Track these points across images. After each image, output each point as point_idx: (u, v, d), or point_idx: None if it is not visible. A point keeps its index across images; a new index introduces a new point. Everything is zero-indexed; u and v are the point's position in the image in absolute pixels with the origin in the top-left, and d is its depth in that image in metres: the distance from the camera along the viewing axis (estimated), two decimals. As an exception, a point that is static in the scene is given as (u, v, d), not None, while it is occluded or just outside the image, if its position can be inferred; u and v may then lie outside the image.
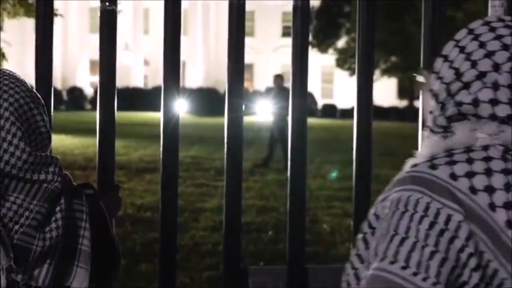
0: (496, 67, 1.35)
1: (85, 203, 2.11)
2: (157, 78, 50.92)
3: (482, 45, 1.38)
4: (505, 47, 1.36)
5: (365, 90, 3.11)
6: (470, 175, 1.27)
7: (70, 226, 2.05)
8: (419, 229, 1.23)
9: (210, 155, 15.99)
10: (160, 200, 3.04)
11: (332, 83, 53.99)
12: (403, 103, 47.31)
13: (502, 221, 1.23)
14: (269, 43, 52.93)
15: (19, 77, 2.13)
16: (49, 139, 2.13)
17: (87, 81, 50.37)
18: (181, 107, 3.08)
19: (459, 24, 25.38)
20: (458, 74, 1.38)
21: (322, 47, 42.35)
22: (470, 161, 1.28)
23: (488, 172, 1.26)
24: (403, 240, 1.23)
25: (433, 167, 1.29)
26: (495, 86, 1.33)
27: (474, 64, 1.37)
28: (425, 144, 1.38)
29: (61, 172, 2.06)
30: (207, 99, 41.85)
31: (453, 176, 1.27)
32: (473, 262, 1.22)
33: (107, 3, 2.99)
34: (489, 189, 1.25)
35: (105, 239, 2.19)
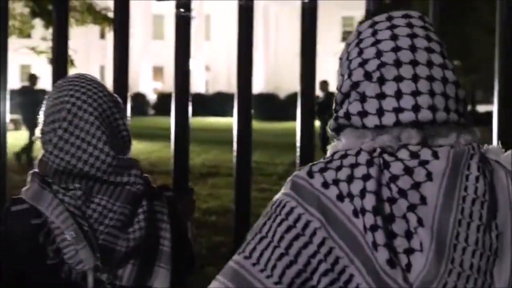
0: (367, 76, 1.34)
1: (165, 204, 2.14)
2: (217, 84, 51.31)
3: (360, 52, 1.37)
4: (378, 54, 1.34)
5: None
6: (336, 182, 1.28)
7: (152, 227, 2.09)
8: (276, 231, 1.27)
9: (271, 160, 15.98)
10: (234, 204, 3.07)
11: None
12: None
13: (361, 227, 1.24)
14: (329, 49, 52.73)
15: (100, 82, 2.15)
16: (129, 142, 2.17)
17: (150, 87, 50.99)
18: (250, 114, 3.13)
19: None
20: (341, 83, 1.39)
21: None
22: (339, 168, 1.29)
23: (349, 179, 1.27)
24: (261, 239, 1.29)
25: (310, 174, 1.30)
26: (363, 98, 1.33)
27: (350, 74, 1.37)
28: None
29: (142, 174, 2.09)
30: (267, 105, 41.94)
31: (325, 185, 1.28)
32: (323, 267, 1.24)
33: (182, 10, 3.04)
34: (350, 196, 1.26)
35: (181, 240, 2.21)
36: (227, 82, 48.97)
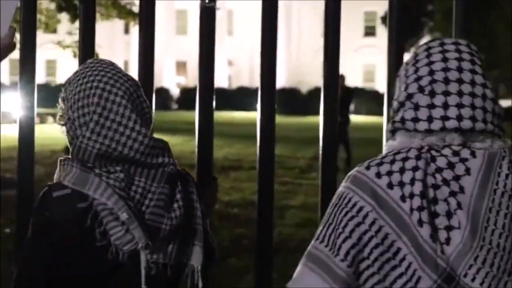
0: (421, 89, 1.64)
1: (194, 186, 2.17)
2: (240, 79, 51.29)
3: (416, 70, 1.67)
4: (431, 72, 1.64)
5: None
6: (389, 173, 1.57)
7: (187, 206, 2.11)
8: (338, 218, 1.58)
9: (293, 154, 15.99)
10: (257, 196, 3.07)
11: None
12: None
13: (408, 209, 1.52)
14: (351, 44, 52.57)
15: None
16: (151, 123, 2.18)
17: (173, 82, 51.12)
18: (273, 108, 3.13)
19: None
20: (398, 94, 1.69)
21: (406, 46, 41.93)
22: (392, 162, 1.58)
23: (402, 170, 1.57)
24: (329, 226, 1.59)
25: (368, 168, 1.60)
26: (416, 107, 1.63)
27: (406, 87, 1.67)
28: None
29: (172, 155, 2.13)
30: (289, 99, 41.90)
31: (378, 175, 1.58)
32: (373, 242, 1.53)
33: (206, 1, 3.04)
34: (401, 184, 1.55)
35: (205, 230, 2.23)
36: (250, 77, 48.90)
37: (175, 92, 47.00)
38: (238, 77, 52.08)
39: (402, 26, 3.06)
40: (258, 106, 3.07)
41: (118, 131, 2.02)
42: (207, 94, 3.08)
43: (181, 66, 52.55)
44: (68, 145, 2.09)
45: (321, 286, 1.55)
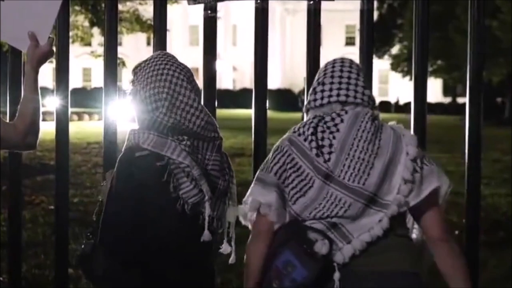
0: (318, 83, 2.29)
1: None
2: (243, 82, 51.26)
3: (319, 74, 2.34)
4: (325, 73, 2.31)
5: (421, 88, 3.07)
6: (299, 129, 2.22)
7: (230, 173, 2.28)
8: (273, 155, 2.22)
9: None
10: (252, 175, 3.07)
11: (388, 83, 53.14)
12: (447, 100, 46.29)
13: (307, 144, 2.16)
14: (335, 52, 52.49)
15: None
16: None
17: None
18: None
19: (494, 32, 24.18)
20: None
21: (379, 54, 41.71)
22: (303, 124, 2.22)
23: (304, 125, 2.22)
24: (268, 161, 2.23)
25: (294, 131, 2.23)
26: (314, 92, 2.28)
27: (312, 87, 2.32)
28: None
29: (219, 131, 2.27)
30: (284, 98, 41.87)
31: (294, 131, 2.23)
32: (288, 164, 2.17)
33: (209, 12, 3.03)
34: (303, 133, 2.19)
35: None
36: (251, 80, 48.48)
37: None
38: (241, 80, 51.97)
39: (370, 40, 3.06)
40: (253, 104, 3.07)
41: (185, 109, 2.14)
42: (210, 91, 3.09)
43: (194, 72, 52.42)
44: (136, 118, 2.20)
45: (261, 191, 2.16)
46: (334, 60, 2.32)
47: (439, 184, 2.17)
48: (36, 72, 2.32)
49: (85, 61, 41.60)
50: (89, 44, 22.85)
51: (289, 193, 2.14)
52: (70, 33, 12.92)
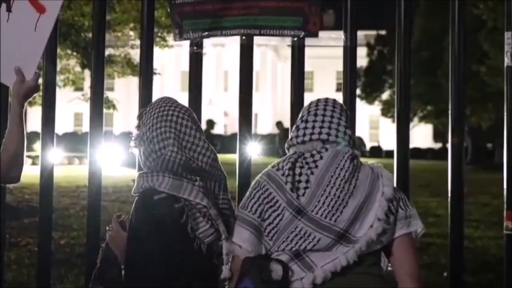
0: (302, 120, 2.35)
1: None
2: (234, 127, 51.44)
3: (301, 113, 2.41)
4: (309, 112, 2.38)
5: (404, 132, 3.11)
6: (278, 164, 2.27)
7: (231, 210, 2.32)
8: (252, 192, 2.26)
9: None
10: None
11: (378, 129, 53.43)
12: (438, 145, 46.54)
13: (284, 179, 2.20)
14: (325, 95, 52.77)
15: None
16: None
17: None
18: (255, 150, 3.14)
19: (482, 77, 24.36)
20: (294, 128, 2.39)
21: (369, 99, 42.10)
22: (283, 160, 2.27)
23: (284, 161, 2.26)
24: (247, 198, 2.26)
25: (272, 165, 2.29)
26: (297, 129, 2.35)
27: (296, 122, 2.41)
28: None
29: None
30: (275, 143, 41.85)
31: (273, 166, 2.28)
32: (265, 199, 2.22)
33: (195, 48, 3.09)
34: (282, 168, 2.24)
35: None
36: (242, 125, 48.81)
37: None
38: (232, 125, 52.15)
39: (353, 77, 3.11)
40: (237, 149, 3.09)
41: (191, 148, 2.21)
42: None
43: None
44: (142, 162, 2.24)
45: (238, 229, 2.19)
46: (318, 99, 2.39)
47: (414, 229, 2.22)
48: (22, 107, 2.36)
49: (76, 106, 41.68)
50: (81, 89, 22.87)
51: (266, 228, 2.20)
52: (62, 77, 12.96)
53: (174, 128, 2.21)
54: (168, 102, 2.31)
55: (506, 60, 2.88)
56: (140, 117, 2.31)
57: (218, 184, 2.26)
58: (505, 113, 2.92)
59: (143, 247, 2.09)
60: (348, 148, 2.26)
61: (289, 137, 2.36)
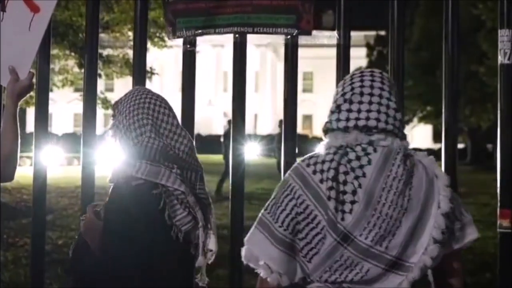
0: (344, 100, 1.92)
1: None
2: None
3: (343, 88, 1.96)
4: (352, 89, 1.93)
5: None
6: (315, 164, 1.86)
7: (208, 201, 2.28)
8: (279, 195, 1.87)
9: (266, 186, 15.95)
10: (230, 219, 3.08)
11: (378, 129, 53.56)
12: (437, 146, 46.60)
13: (324, 189, 1.81)
14: (326, 98, 52.85)
15: None
16: None
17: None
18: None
19: (481, 77, 24.30)
20: (332, 105, 1.97)
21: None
22: (319, 156, 1.88)
23: (323, 162, 1.85)
24: (273, 200, 1.88)
25: (303, 161, 1.90)
26: (339, 111, 1.92)
27: (335, 100, 1.96)
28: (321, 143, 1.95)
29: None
30: (273, 143, 41.75)
31: (308, 165, 1.87)
32: (302, 216, 1.83)
33: (188, 46, 3.08)
34: (321, 171, 1.83)
35: None
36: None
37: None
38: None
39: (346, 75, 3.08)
40: (231, 150, 3.08)
41: (169, 136, 2.18)
42: (189, 122, 3.10)
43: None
44: (121, 149, 2.19)
45: (264, 242, 1.85)
46: (362, 72, 1.99)
47: (468, 241, 1.92)
48: (16, 106, 2.36)
49: (76, 107, 41.64)
50: (80, 90, 22.86)
51: (303, 248, 1.84)
52: (60, 77, 12.94)
53: (152, 116, 2.18)
54: (144, 91, 2.28)
55: (500, 58, 2.87)
56: (115, 106, 2.28)
57: (195, 174, 2.21)
58: (498, 110, 2.91)
59: (118, 236, 2.04)
60: (399, 144, 1.87)
61: (328, 118, 1.96)
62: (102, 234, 2.09)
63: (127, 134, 2.17)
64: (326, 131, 1.95)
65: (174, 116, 2.25)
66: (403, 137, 1.91)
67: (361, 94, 1.90)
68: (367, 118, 1.87)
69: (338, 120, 1.90)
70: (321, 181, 1.82)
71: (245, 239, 1.90)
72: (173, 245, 2.08)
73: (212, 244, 2.29)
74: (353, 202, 1.78)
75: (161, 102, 2.24)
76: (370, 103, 1.89)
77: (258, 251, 1.85)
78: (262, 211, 1.90)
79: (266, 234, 1.85)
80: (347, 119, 1.89)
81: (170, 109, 2.26)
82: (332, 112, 1.94)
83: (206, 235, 2.23)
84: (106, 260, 2.06)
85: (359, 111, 1.88)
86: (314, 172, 1.84)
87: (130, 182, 2.07)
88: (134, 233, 2.03)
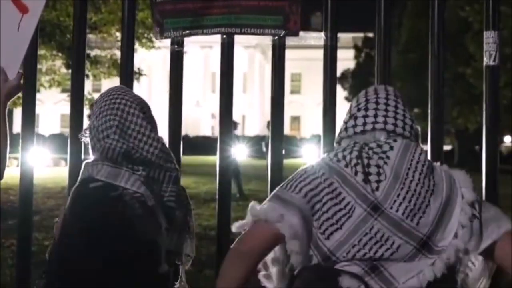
0: (359, 109, 1.98)
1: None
2: (222, 128, 51.32)
3: (357, 100, 2.03)
4: (366, 100, 2.00)
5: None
6: (336, 154, 1.88)
7: (188, 206, 2.21)
8: (303, 175, 1.87)
9: (265, 188, 15.95)
10: (216, 220, 3.07)
11: (366, 130, 53.72)
12: (424, 147, 46.70)
13: (349, 171, 1.82)
14: (313, 99, 52.99)
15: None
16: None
17: (166, 133, 50.84)
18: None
19: (468, 78, 24.39)
20: (345, 117, 2.03)
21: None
22: (343, 149, 1.89)
23: (344, 150, 1.88)
24: (294, 178, 1.88)
25: (327, 153, 1.93)
26: (355, 118, 1.97)
27: (350, 111, 2.02)
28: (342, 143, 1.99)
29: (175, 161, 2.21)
30: (262, 145, 41.76)
31: (333, 155, 1.89)
32: (325, 190, 1.81)
33: (175, 46, 3.07)
34: (344, 158, 1.85)
35: None
36: (230, 127, 48.78)
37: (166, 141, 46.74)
38: (221, 126, 52.13)
39: (334, 77, 3.08)
40: (218, 151, 3.08)
41: (137, 138, 2.11)
42: (177, 123, 3.09)
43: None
44: (91, 151, 2.16)
45: (280, 207, 1.79)
46: (375, 87, 2.06)
47: (508, 226, 1.85)
48: (5, 106, 2.35)
49: (63, 107, 41.47)
50: (67, 90, 22.76)
51: (322, 225, 1.79)
52: (47, 78, 12.90)
53: (120, 116, 2.13)
54: (118, 90, 2.23)
55: (485, 60, 2.89)
56: (91, 106, 2.26)
57: (168, 177, 2.13)
58: (483, 112, 2.93)
59: (73, 241, 1.97)
60: (414, 144, 1.92)
61: (341, 129, 2.00)
62: (59, 237, 2.06)
63: (96, 135, 2.14)
64: (340, 141, 1.99)
65: (147, 118, 2.17)
66: (416, 140, 1.97)
67: (377, 103, 1.97)
68: (385, 122, 1.92)
69: (355, 126, 1.95)
70: (346, 165, 1.84)
71: (255, 212, 1.84)
72: (130, 247, 2.00)
73: (188, 248, 2.21)
74: (378, 181, 1.79)
75: (132, 103, 2.17)
76: (386, 110, 1.95)
77: (278, 211, 1.78)
78: (278, 188, 1.88)
79: (282, 203, 1.79)
80: (364, 123, 1.94)
81: (144, 111, 2.19)
82: (345, 122, 1.99)
83: (176, 239, 2.14)
84: (62, 266, 2.01)
85: (375, 116, 1.94)
86: (338, 160, 1.86)
87: (88, 184, 2.05)
88: (90, 235, 1.98)
